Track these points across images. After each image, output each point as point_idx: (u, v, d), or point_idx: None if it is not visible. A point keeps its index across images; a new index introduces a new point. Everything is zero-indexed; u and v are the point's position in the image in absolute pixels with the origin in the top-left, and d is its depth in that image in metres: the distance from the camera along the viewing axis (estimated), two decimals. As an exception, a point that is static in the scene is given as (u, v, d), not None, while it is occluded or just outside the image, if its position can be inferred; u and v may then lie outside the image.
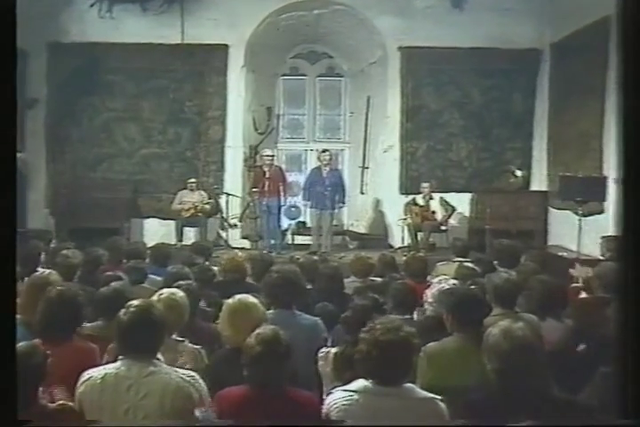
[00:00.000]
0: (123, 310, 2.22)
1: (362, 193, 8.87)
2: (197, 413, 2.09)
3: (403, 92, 8.33)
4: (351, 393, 2.03)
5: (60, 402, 2.09)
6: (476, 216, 7.91)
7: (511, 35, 7.96)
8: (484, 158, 8.44)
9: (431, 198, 7.69)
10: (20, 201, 6.88)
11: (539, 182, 8.19)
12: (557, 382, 2.08)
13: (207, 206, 7.82)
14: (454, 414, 2.02)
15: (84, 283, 3.88)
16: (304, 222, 8.59)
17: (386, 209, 8.56)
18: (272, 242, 7.58)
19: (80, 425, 2.08)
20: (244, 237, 8.27)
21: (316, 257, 4.98)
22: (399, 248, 7.73)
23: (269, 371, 2.10)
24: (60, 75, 7.95)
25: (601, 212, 6.15)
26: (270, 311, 3.01)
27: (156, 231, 8.02)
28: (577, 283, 4.18)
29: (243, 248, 7.63)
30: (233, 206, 8.20)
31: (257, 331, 2.20)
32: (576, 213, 5.95)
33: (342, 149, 9.22)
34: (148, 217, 8.27)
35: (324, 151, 7.80)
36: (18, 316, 2.50)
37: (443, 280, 3.40)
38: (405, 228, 7.65)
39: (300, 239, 8.22)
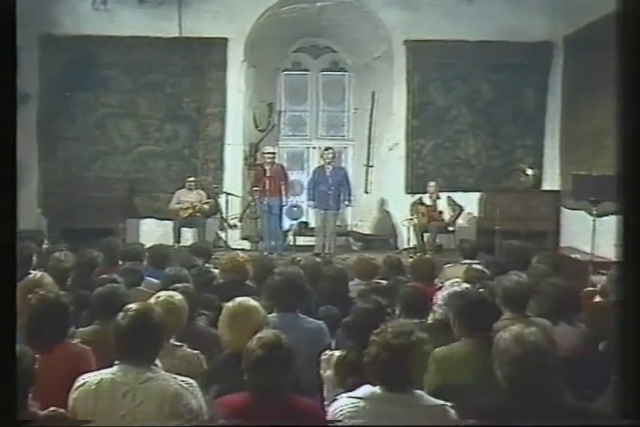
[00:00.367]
0: (121, 314, 2.22)
1: (366, 192, 8.87)
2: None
3: (409, 87, 8.33)
4: (357, 400, 2.02)
5: (51, 409, 2.09)
6: (485, 216, 7.90)
7: (522, 27, 7.95)
8: (494, 156, 8.43)
9: (438, 198, 7.69)
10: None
11: (551, 181, 8.17)
12: (571, 389, 2.07)
13: (206, 206, 7.83)
14: (464, 421, 2.02)
15: (77, 286, 3.89)
16: (306, 223, 8.60)
17: (391, 209, 8.55)
18: (273, 243, 7.58)
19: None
20: (244, 238, 8.28)
21: (318, 259, 4.97)
22: (405, 249, 7.73)
23: (271, 376, 2.10)
24: (52, 69, 7.96)
25: (616, 212, 6.12)
26: (272, 315, 3.01)
27: (152, 232, 8.03)
28: (592, 287, 4.17)
29: (243, 249, 7.63)
30: (233, 206, 8.21)
31: (258, 334, 2.20)
32: (590, 214, 5.94)
33: (346, 147, 9.22)
34: (145, 217, 8.27)
35: (326, 149, 7.80)
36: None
37: (455, 283, 3.39)
38: (411, 228, 7.65)
39: (302, 240, 8.22)
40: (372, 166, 8.82)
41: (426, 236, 7.57)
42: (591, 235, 5.82)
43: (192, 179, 7.92)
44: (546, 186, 8.25)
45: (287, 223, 8.27)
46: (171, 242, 7.41)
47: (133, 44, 8.07)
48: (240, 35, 8.20)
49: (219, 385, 2.35)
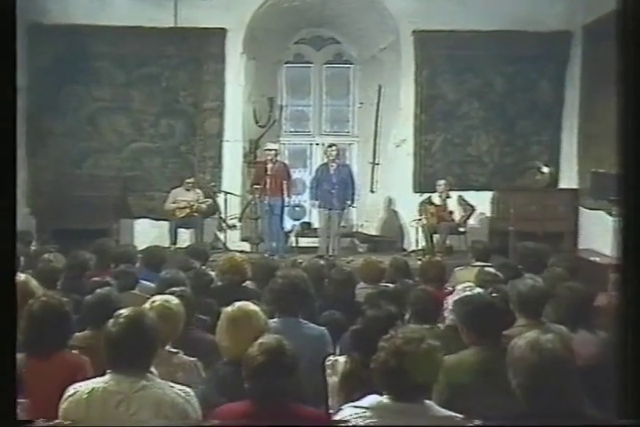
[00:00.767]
0: (111, 320, 2.22)
1: (372, 191, 8.88)
2: None
3: (417, 80, 8.33)
4: (364, 410, 2.02)
5: (40, 420, 2.09)
6: (498, 217, 7.90)
7: (538, 16, 7.93)
8: (507, 153, 8.42)
9: (448, 197, 7.69)
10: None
11: (568, 180, 8.16)
12: (590, 400, 2.07)
13: (203, 206, 7.84)
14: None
15: (68, 290, 3.89)
16: (309, 223, 8.60)
17: (398, 209, 8.55)
18: (274, 245, 7.58)
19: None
20: (243, 240, 8.29)
21: (322, 261, 4.97)
22: (413, 251, 7.72)
23: (273, 384, 2.10)
24: (41, 60, 7.97)
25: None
26: (274, 320, 3.01)
27: (147, 233, 8.04)
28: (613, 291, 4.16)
29: (242, 251, 7.64)
30: (231, 206, 8.22)
31: (260, 340, 2.21)
32: (610, 214, 5.93)
33: (350, 144, 9.23)
34: (139, 217, 8.29)
35: (330, 146, 7.81)
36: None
37: (467, 287, 3.39)
38: (420, 229, 7.65)
39: (304, 242, 8.23)
40: (378, 164, 8.82)
41: (435, 237, 7.57)
42: (611, 236, 5.81)
43: (192, 180, 7.91)
44: (563, 184, 8.24)
45: (289, 224, 8.27)
46: (166, 243, 7.42)
47: (126, 34, 8.08)
48: (239, 25, 8.21)
49: (217, 394, 2.35)
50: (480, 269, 4.42)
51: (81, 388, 2.16)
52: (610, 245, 5.88)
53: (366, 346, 2.44)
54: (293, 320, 3.07)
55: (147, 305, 2.75)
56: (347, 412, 2.06)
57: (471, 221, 7.89)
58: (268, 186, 7.42)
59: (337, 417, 2.09)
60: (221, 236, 8.22)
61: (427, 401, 2.06)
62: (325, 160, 7.80)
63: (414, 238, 7.82)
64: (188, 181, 7.90)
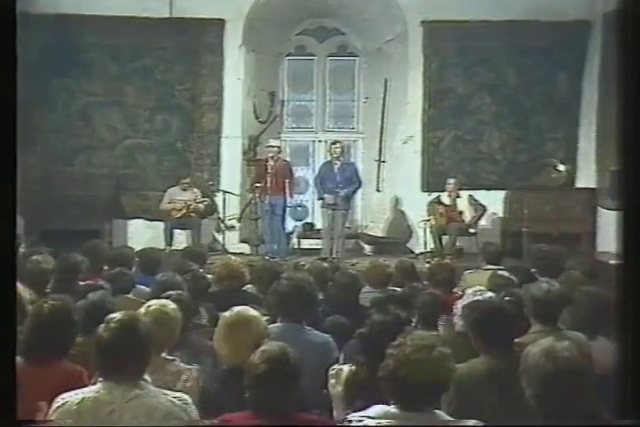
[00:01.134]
0: (102, 326, 2.21)
1: (378, 190, 8.88)
2: None
3: (425, 73, 8.34)
4: (369, 420, 2.02)
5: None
6: (511, 217, 7.90)
7: (554, 4, 7.93)
8: (521, 150, 8.42)
9: (458, 197, 7.69)
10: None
11: (586, 178, 8.16)
12: (610, 412, 2.06)
13: (201, 206, 7.85)
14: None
15: (58, 293, 3.89)
16: (312, 224, 8.61)
17: (405, 209, 8.56)
18: (275, 247, 7.59)
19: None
20: (243, 241, 8.30)
21: (326, 264, 4.97)
22: (421, 254, 7.73)
23: (275, 393, 2.10)
24: (28, 52, 7.94)
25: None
26: (276, 325, 3.01)
27: (141, 234, 8.06)
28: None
29: (242, 253, 7.66)
30: (230, 206, 8.23)
31: (262, 347, 2.20)
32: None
33: (355, 140, 9.24)
34: (133, 218, 8.31)
35: (334, 143, 7.82)
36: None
37: (478, 292, 3.38)
38: (428, 230, 7.65)
39: (306, 243, 8.24)
40: (384, 162, 8.82)
41: (444, 239, 7.57)
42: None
43: (188, 180, 7.89)
44: (580, 183, 8.24)
45: (291, 225, 8.28)
46: (162, 245, 7.43)
47: (119, 24, 8.09)
48: (238, 15, 8.22)
49: (216, 403, 2.35)
50: (492, 272, 4.41)
51: (70, 398, 2.15)
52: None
53: (373, 352, 2.44)
54: (297, 326, 3.07)
55: (142, 310, 2.75)
56: (352, 422, 2.06)
57: (482, 222, 7.88)
58: (268, 185, 7.43)
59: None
60: (220, 237, 8.23)
61: (436, 411, 2.06)
62: (329, 158, 7.81)
63: (422, 240, 7.83)
64: (183, 181, 7.89)
